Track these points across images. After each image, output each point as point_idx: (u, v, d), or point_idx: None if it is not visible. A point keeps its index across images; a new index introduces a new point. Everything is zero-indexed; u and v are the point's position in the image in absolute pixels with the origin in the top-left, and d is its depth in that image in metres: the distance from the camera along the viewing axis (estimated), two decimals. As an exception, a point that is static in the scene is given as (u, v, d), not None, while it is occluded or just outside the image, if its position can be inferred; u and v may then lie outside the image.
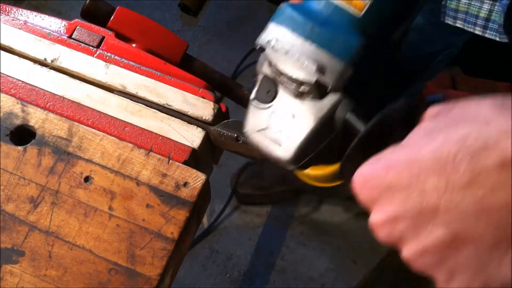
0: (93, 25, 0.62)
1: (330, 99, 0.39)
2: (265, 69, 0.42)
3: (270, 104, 0.41)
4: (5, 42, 0.60)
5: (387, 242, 0.33)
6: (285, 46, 0.38)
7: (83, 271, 0.50)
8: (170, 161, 0.54)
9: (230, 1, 1.66)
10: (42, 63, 0.59)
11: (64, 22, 0.62)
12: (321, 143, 0.40)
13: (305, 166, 0.42)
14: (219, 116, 0.59)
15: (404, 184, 0.31)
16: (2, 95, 0.56)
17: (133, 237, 0.51)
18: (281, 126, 0.41)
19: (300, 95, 0.40)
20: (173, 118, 0.57)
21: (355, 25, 0.38)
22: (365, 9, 0.38)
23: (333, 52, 0.37)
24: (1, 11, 0.63)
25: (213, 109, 0.58)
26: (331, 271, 1.30)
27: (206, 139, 0.56)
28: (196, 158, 0.56)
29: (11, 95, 0.57)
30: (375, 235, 0.33)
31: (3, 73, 0.58)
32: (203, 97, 0.58)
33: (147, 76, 0.59)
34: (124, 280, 0.50)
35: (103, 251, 0.51)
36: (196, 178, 0.53)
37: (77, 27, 0.62)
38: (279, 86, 0.41)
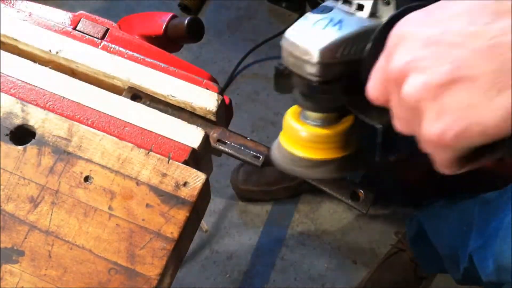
0: (97, 17, 0.63)
1: (376, 21, 0.41)
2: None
3: (321, 16, 0.42)
4: (10, 33, 0.60)
5: (398, 69, 0.34)
6: None
7: (83, 270, 0.50)
8: (170, 160, 0.54)
9: (230, 1, 1.66)
10: (44, 60, 0.59)
11: (69, 14, 0.63)
12: (351, 54, 0.41)
13: (325, 73, 0.41)
14: (223, 107, 0.59)
15: (436, 21, 0.32)
16: (2, 94, 0.56)
17: (133, 237, 0.51)
18: (324, 27, 0.41)
19: (352, 12, 0.42)
20: (173, 118, 0.57)
21: None
22: None
23: None
24: (6, 4, 0.63)
25: (217, 100, 0.58)
26: (331, 271, 1.30)
27: (206, 139, 0.56)
28: (196, 158, 0.56)
29: (11, 94, 0.57)
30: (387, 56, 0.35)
31: (3, 73, 0.58)
32: (207, 89, 0.59)
33: (151, 67, 0.59)
34: (124, 279, 0.50)
35: (103, 250, 0.51)
36: (196, 178, 0.53)
37: (82, 19, 0.62)
38: (334, 8, 0.43)
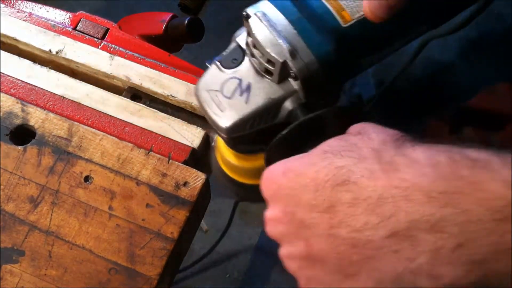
0: (97, 17, 0.63)
1: (287, 86, 0.40)
2: (239, 39, 0.43)
3: (231, 71, 0.42)
4: (10, 33, 0.60)
5: (271, 237, 0.36)
6: (270, 20, 0.39)
7: (83, 270, 0.50)
8: (170, 160, 0.54)
9: (230, 1, 1.66)
10: (44, 60, 0.59)
11: (69, 14, 0.63)
12: (261, 125, 0.41)
13: (236, 142, 0.42)
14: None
15: (289, 192, 0.34)
16: (2, 94, 0.56)
17: (133, 237, 0.51)
18: (232, 94, 0.41)
19: (262, 73, 0.41)
20: (173, 117, 0.57)
21: (335, 32, 0.40)
22: (349, 23, 0.40)
23: (309, 44, 0.39)
24: (6, 4, 0.63)
25: None
26: (331, 271, 1.30)
27: (206, 139, 0.56)
28: (196, 158, 0.56)
29: (11, 94, 0.57)
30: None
31: (3, 73, 0.58)
32: None
33: (151, 67, 0.59)
34: (124, 279, 0.50)
35: (103, 250, 0.51)
36: (196, 178, 0.53)
37: (82, 19, 0.62)
38: (246, 59, 0.42)
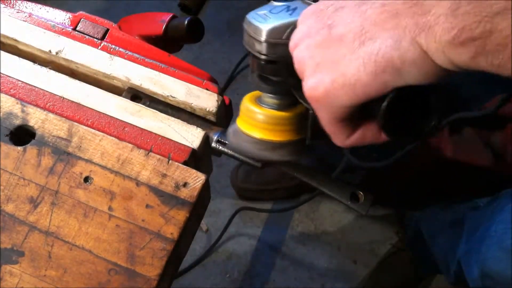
0: (97, 18, 0.63)
1: None
2: None
3: (281, 3, 0.46)
4: (10, 34, 0.60)
5: (294, 42, 0.38)
6: None
7: (83, 271, 0.50)
8: (170, 161, 0.54)
9: (230, 1, 1.66)
10: (44, 61, 0.59)
11: (69, 15, 0.63)
12: None
13: (270, 51, 0.44)
14: (223, 108, 0.59)
15: (324, 5, 0.36)
16: (2, 95, 0.56)
17: (132, 238, 0.51)
18: (278, 12, 0.45)
19: (310, 2, 0.44)
20: (173, 118, 0.57)
21: None
22: None
23: None
24: (6, 4, 0.63)
25: (217, 100, 0.58)
26: (331, 271, 1.30)
27: (206, 139, 0.56)
28: (195, 158, 0.56)
29: (11, 95, 0.57)
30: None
31: (3, 73, 0.58)
32: (207, 89, 0.59)
33: (151, 68, 0.59)
34: (124, 280, 0.50)
35: (103, 251, 0.51)
36: (196, 178, 0.53)
37: (82, 19, 0.62)
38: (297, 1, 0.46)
